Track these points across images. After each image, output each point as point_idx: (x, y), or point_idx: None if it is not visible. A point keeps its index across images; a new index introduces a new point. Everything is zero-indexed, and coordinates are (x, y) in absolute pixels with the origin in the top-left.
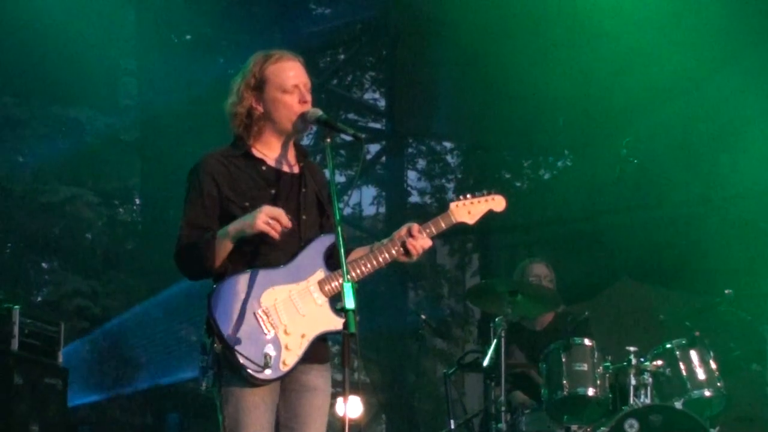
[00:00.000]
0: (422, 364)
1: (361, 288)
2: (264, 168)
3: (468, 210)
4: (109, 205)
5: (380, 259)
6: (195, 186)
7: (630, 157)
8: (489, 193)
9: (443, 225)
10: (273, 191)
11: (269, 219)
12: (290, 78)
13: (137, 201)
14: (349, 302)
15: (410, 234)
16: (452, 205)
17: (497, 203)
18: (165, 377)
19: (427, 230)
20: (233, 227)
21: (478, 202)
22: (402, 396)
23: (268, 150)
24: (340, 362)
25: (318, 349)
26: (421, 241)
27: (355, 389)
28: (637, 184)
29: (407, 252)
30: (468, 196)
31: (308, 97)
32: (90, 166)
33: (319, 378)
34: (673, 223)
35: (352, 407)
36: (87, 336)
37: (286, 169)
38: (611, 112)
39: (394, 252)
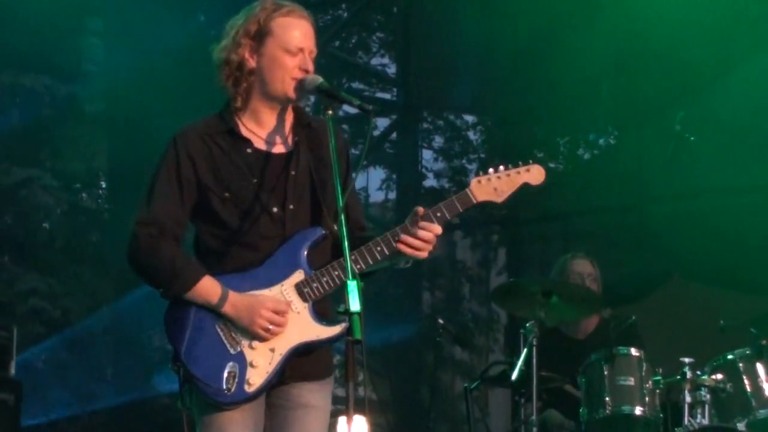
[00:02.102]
0: (439, 378)
1: (367, 288)
2: (249, 150)
3: (494, 186)
4: (71, 189)
5: (376, 255)
6: (170, 163)
7: (685, 134)
8: (525, 164)
9: (459, 207)
10: (255, 180)
11: (269, 325)
12: (297, 38)
13: (103, 185)
14: (354, 304)
15: (413, 221)
16: (473, 182)
17: (533, 175)
18: (135, 392)
19: (438, 214)
20: (214, 296)
21: (508, 175)
22: (415, 415)
23: (256, 124)
24: (343, 375)
25: (309, 364)
26: (423, 233)
27: (361, 407)
28: (692, 166)
29: (413, 246)
30: (498, 168)
31: (311, 67)
32: (48, 143)
33: (315, 393)
34: (735, 213)
35: (356, 429)
36: (44, 343)
37: (275, 149)
38: (663, 81)
39: (394, 245)
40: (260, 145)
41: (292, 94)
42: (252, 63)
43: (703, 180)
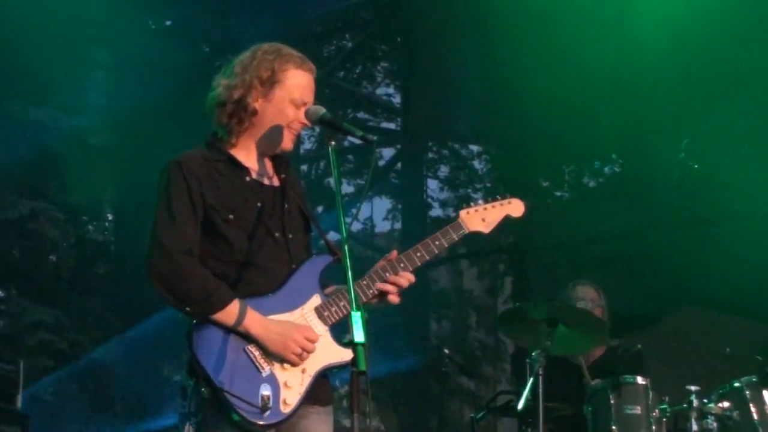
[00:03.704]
0: (447, 408)
1: (373, 318)
2: (248, 179)
3: (482, 217)
4: (77, 221)
5: (368, 293)
6: (180, 186)
7: (689, 161)
8: (504, 197)
9: (454, 236)
10: (259, 204)
11: (301, 350)
12: (304, 93)
13: (109, 217)
14: (359, 335)
15: (390, 265)
16: (462, 213)
17: (514, 207)
18: (144, 425)
19: (417, 254)
20: (244, 318)
21: (493, 207)
22: None
23: (246, 158)
24: (349, 405)
25: (320, 388)
26: (400, 281)
27: None
28: (697, 193)
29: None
30: (480, 202)
31: (309, 124)
32: (54, 175)
33: (320, 424)
34: (741, 239)
35: None
36: (51, 376)
37: (266, 181)
38: (667, 109)
39: (369, 294)
40: (255, 175)
41: (288, 146)
42: (256, 106)
43: (708, 207)
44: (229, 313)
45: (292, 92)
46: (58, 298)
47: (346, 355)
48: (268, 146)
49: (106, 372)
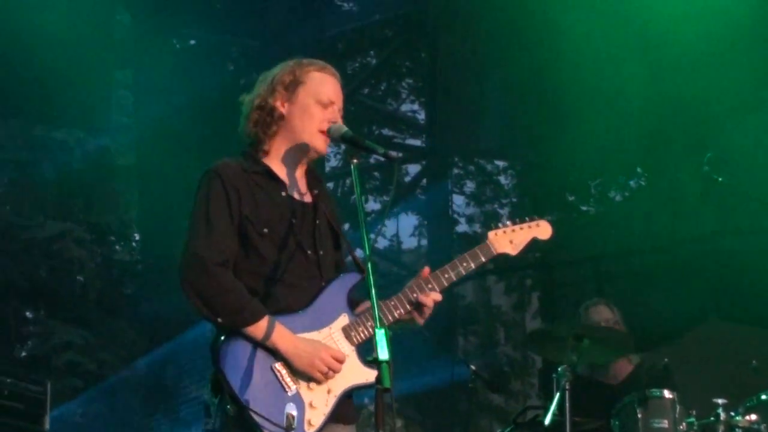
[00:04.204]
0: (477, 424)
1: (401, 334)
2: (284, 194)
3: (509, 239)
4: (104, 242)
5: (395, 314)
6: (219, 195)
7: (713, 174)
8: (532, 219)
9: (483, 258)
10: (293, 220)
11: (327, 369)
12: (329, 92)
13: (136, 237)
14: (383, 352)
15: (418, 285)
16: (491, 234)
17: (542, 230)
18: None
19: (445, 276)
20: (274, 334)
21: (521, 229)
22: None
23: (281, 171)
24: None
25: (345, 408)
26: (426, 300)
27: None
28: (722, 206)
29: (418, 308)
30: (508, 223)
31: (340, 121)
32: (80, 196)
33: None
34: (766, 252)
35: None
36: (79, 397)
37: (297, 196)
38: (691, 122)
39: (396, 315)
40: (290, 191)
41: (321, 147)
42: (283, 110)
43: (733, 219)
44: (259, 328)
45: (317, 91)
46: (85, 318)
47: (370, 376)
48: (301, 151)
49: (133, 392)
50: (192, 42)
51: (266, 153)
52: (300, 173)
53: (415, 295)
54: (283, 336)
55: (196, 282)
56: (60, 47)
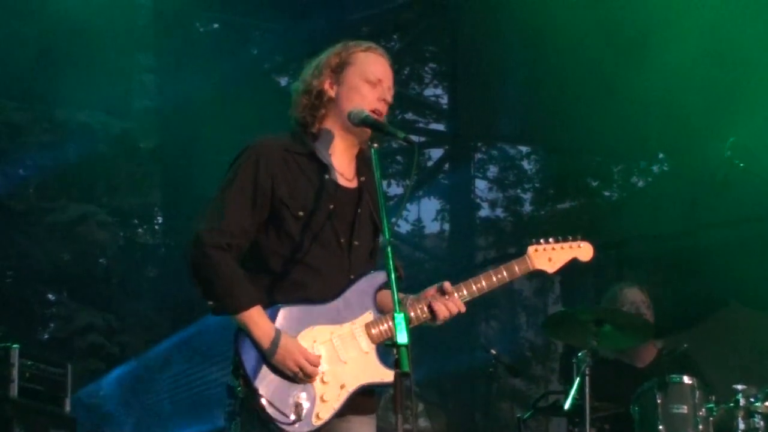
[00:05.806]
0: (498, 408)
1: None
2: (327, 177)
3: (549, 256)
4: (127, 224)
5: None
6: (248, 172)
7: (735, 160)
8: (575, 239)
9: (518, 272)
10: (332, 206)
11: (298, 369)
12: (377, 71)
13: (159, 220)
14: (402, 336)
15: (441, 292)
16: (530, 249)
17: (584, 251)
18: (194, 428)
19: (477, 285)
20: (252, 328)
21: (561, 248)
22: None
23: (326, 154)
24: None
25: (361, 400)
26: (450, 305)
27: None
28: (744, 191)
29: (433, 313)
30: (551, 240)
31: (390, 99)
32: (103, 179)
33: (362, 427)
34: None
35: None
36: (101, 379)
37: (343, 182)
38: (712, 106)
39: (412, 315)
40: (334, 175)
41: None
42: (331, 92)
43: (755, 205)
44: (244, 316)
45: (364, 70)
46: (108, 301)
47: (387, 376)
48: (348, 131)
49: (155, 375)
50: (215, 26)
51: (315, 136)
52: (348, 157)
53: (437, 303)
54: (262, 328)
55: (194, 262)
56: (83, 31)
